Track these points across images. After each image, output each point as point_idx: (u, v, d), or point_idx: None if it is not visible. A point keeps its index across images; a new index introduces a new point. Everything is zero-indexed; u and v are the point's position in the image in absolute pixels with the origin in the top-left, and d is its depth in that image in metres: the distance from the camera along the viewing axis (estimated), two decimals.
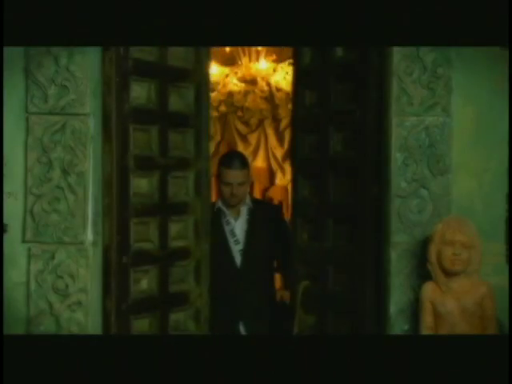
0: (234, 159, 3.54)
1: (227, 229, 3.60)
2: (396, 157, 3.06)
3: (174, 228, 3.39)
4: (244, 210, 3.62)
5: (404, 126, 3.05)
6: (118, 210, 3.22)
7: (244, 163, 3.55)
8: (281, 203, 6.85)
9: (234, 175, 3.48)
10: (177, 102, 3.40)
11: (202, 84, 3.51)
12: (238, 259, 3.59)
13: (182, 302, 3.43)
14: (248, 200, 3.64)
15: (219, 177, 3.54)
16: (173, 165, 3.39)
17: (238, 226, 3.61)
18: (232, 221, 3.62)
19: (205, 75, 3.52)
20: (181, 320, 3.42)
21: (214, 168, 3.71)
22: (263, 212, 3.67)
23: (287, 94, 5.91)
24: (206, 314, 3.48)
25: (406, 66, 3.03)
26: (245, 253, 3.58)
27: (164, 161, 3.36)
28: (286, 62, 5.81)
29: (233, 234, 3.58)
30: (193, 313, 3.47)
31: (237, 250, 3.59)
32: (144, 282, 3.31)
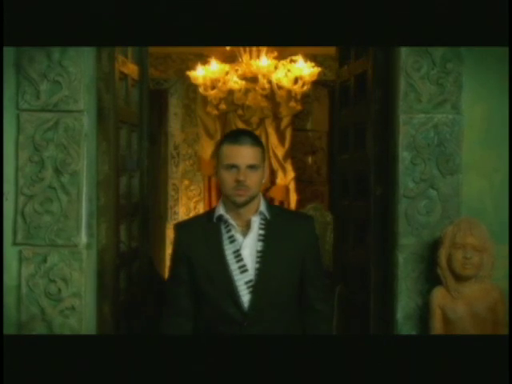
0: (241, 134, 2.39)
1: (229, 249, 2.36)
2: (403, 156, 2.95)
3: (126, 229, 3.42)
4: (256, 222, 2.38)
5: (412, 124, 2.95)
6: (115, 210, 3.13)
7: (256, 140, 2.39)
8: (282, 203, 6.76)
9: (242, 153, 2.31)
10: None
11: (144, 84, 3.52)
12: (244, 296, 2.33)
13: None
14: (263, 206, 2.40)
15: (219, 163, 2.36)
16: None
17: (247, 246, 2.36)
18: (239, 237, 2.37)
19: (146, 79, 3.56)
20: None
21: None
22: (287, 226, 2.42)
23: (288, 91, 5.82)
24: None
25: (414, 61, 2.93)
26: (257, 287, 2.33)
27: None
28: (288, 59, 5.71)
29: (238, 257, 2.35)
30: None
31: (243, 281, 2.34)
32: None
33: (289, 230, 2.40)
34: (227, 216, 2.37)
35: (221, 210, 2.39)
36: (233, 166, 2.31)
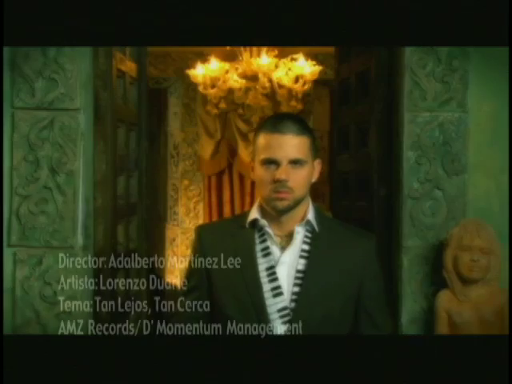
0: (283, 119, 1.85)
1: (262, 264, 1.86)
2: (408, 155, 2.89)
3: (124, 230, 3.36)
4: (300, 234, 1.88)
5: (417, 123, 2.89)
6: (112, 211, 3.07)
7: (302, 126, 1.85)
8: None
9: (283, 144, 1.80)
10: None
11: (142, 82, 3.47)
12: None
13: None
14: (312, 215, 1.90)
15: (255, 156, 1.87)
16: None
17: (284, 262, 1.86)
18: (275, 249, 1.87)
19: (144, 76, 3.51)
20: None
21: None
22: (340, 244, 1.91)
23: (289, 90, 5.75)
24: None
25: (418, 58, 2.88)
26: (294, 317, 1.84)
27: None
28: (289, 58, 5.64)
29: (272, 275, 1.85)
30: (134, 318, 3.35)
31: (275, 308, 1.84)
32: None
33: (342, 249, 1.89)
34: (263, 221, 1.87)
35: (256, 214, 1.89)
36: (271, 162, 1.81)
